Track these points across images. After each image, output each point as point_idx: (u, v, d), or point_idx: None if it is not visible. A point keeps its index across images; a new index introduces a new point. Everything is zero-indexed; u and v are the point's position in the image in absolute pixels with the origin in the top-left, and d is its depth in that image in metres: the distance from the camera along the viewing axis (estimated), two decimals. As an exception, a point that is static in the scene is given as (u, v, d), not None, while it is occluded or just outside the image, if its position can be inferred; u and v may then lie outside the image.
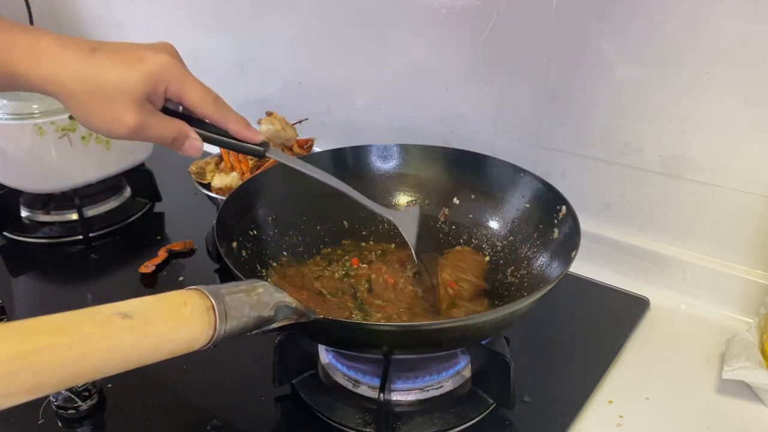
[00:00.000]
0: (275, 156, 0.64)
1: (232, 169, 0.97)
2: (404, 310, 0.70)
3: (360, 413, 0.65)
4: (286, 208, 0.80)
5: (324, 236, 0.83)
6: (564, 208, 0.72)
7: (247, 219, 0.76)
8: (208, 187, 0.94)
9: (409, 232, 0.72)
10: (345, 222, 0.85)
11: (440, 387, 0.67)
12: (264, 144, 0.63)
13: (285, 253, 0.79)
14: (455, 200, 0.85)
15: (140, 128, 0.56)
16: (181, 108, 0.61)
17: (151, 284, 0.91)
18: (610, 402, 0.69)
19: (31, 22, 1.53)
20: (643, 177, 0.85)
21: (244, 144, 0.62)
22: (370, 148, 0.86)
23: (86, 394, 0.66)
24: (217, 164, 1.00)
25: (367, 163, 0.87)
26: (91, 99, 0.54)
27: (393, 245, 0.83)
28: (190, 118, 0.60)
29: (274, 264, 0.76)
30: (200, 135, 0.60)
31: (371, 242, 0.84)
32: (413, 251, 0.70)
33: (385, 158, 0.87)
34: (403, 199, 0.87)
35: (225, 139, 0.61)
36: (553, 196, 0.74)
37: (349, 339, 0.60)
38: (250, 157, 0.97)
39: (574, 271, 0.85)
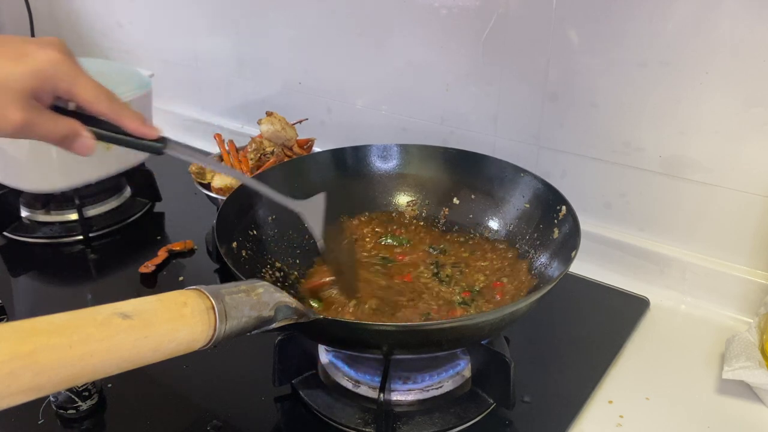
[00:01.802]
0: (174, 153, 0.61)
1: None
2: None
3: (360, 413, 0.65)
4: (286, 208, 0.80)
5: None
6: (564, 208, 0.72)
7: (247, 219, 0.76)
8: (208, 187, 0.94)
9: (315, 222, 0.68)
10: (347, 221, 0.85)
11: (440, 387, 0.67)
12: (163, 139, 0.60)
13: (285, 253, 0.79)
14: (455, 200, 0.85)
15: (26, 126, 0.53)
16: (71, 105, 0.58)
17: (151, 284, 0.91)
18: (610, 402, 0.69)
19: (31, 22, 1.53)
20: (643, 177, 0.85)
21: (141, 141, 0.59)
22: (370, 148, 0.86)
23: (86, 394, 0.66)
24: (217, 164, 1.00)
25: (367, 163, 0.87)
26: None
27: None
28: (83, 116, 0.58)
29: (279, 265, 0.76)
30: (94, 133, 0.58)
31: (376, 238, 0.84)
32: (318, 243, 0.68)
33: (385, 158, 0.87)
34: (403, 199, 0.87)
35: (120, 136, 0.59)
36: (553, 196, 0.74)
37: (349, 339, 0.60)
38: (250, 157, 0.98)
39: (574, 271, 0.85)
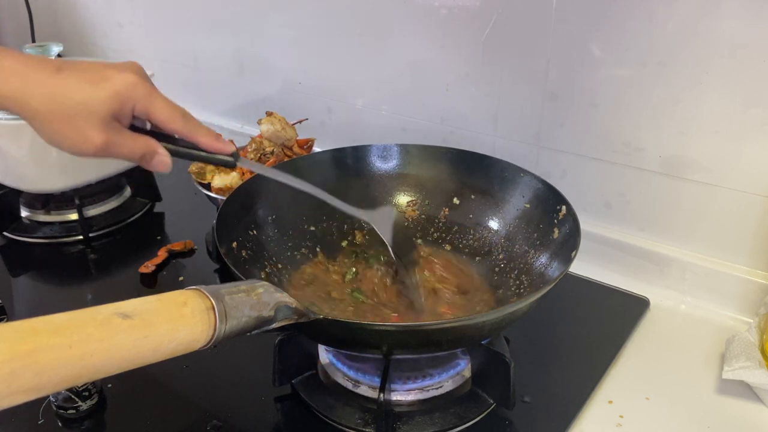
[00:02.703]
0: (246, 166, 0.65)
1: (232, 169, 0.97)
2: (391, 310, 0.72)
3: (360, 413, 0.65)
4: (286, 208, 0.80)
5: (324, 236, 0.83)
6: (564, 208, 0.72)
7: (247, 219, 0.76)
8: (208, 187, 0.94)
9: (385, 231, 0.73)
10: (345, 221, 0.85)
11: (440, 387, 0.67)
12: (234, 154, 0.63)
13: (285, 253, 0.79)
14: (455, 200, 0.85)
15: (107, 147, 0.56)
16: (148, 125, 0.61)
17: (151, 284, 0.91)
18: (610, 402, 0.69)
19: (31, 22, 1.53)
20: (643, 177, 0.85)
21: (215, 156, 0.62)
22: (370, 148, 0.86)
23: (86, 394, 0.66)
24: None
25: (367, 163, 0.87)
26: (57, 119, 0.55)
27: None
28: (159, 133, 0.61)
29: (279, 265, 0.76)
30: (169, 150, 0.61)
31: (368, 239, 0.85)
32: (390, 250, 0.72)
33: (385, 158, 0.87)
34: (403, 199, 0.87)
35: (195, 152, 0.62)
36: (553, 196, 0.74)
37: (349, 339, 0.60)
38: (250, 157, 0.98)
39: (574, 271, 0.85)
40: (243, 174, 0.95)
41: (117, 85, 0.56)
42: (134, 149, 0.59)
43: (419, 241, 0.84)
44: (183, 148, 0.62)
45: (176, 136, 0.61)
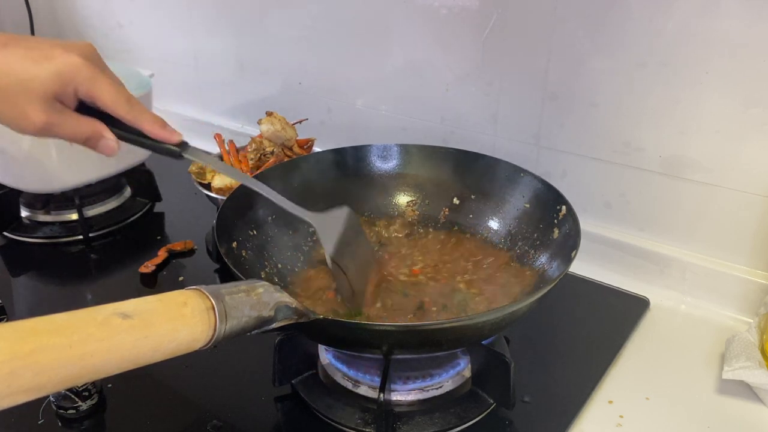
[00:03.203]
0: (193, 157, 0.62)
1: (232, 169, 0.97)
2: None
3: (360, 413, 0.65)
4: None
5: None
6: (564, 208, 0.72)
7: (247, 219, 0.76)
8: (208, 187, 0.94)
9: (329, 237, 0.68)
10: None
11: (440, 387, 0.67)
12: (182, 144, 0.61)
13: (285, 253, 0.79)
14: (455, 200, 0.85)
15: (48, 127, 0.55)
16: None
17: (151, 284, 0.91)
18: (610, 402, 0.69)
19: (31, 22, 1.53)
20: (643, 177, 0.85)
21: (161, 144, 0.60)
22: (370, 148, 0.86)
23: (86, 394, 0.66)
24: (217, 164, 1.00)
25: (367, 163, 0.87)
26: None
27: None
28: (110, 117, 0.59)
29: (279, 265, 0.76)
30: (117, 135, 0.59)
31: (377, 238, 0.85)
32: (327, 257, 0.67)
33: (385, 158, 0.87)
34: (403, 199, 0.87)
35: (141, 139, 0.60)
36: (553, 196, 0.74)
37: (349, 339, 0.60)
38: (250, 157, 0.98)
39: (574, 271, 0.85)
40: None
41: (59, 65, 0.54)
42: (77, 131, 0.57)
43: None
44: (131, 135, 0.60)
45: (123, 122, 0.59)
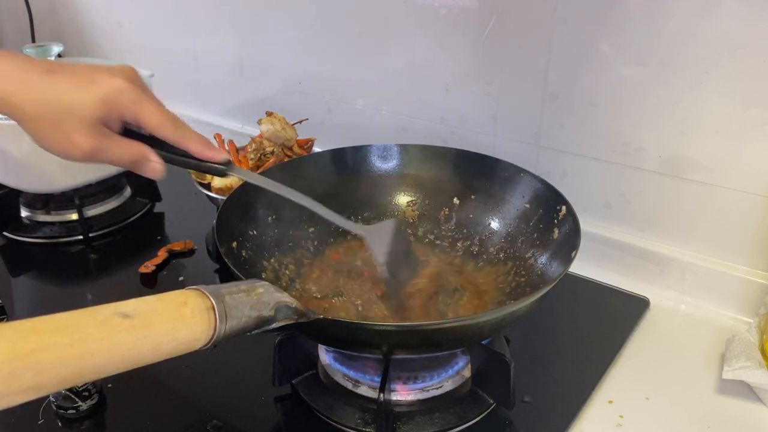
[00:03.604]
0: (238, 174, 0.63)
1: (232, 169, 0.97)
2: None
3: (360, 413, 0.65)
4: (286, 208, 0.80)
5: (324, 236, 0.83)
6: (564, 208, 0.72)
7: (247, 219, 0.76)
8: (208, 187, 0.94)
9: (380, 248, 0.67)
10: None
11: (440, 387, 0.67)
12: (226, 163, 0.62)
13: (285, 253, 0.79)
14: (455, 200, 0.85)
15: (95, 152, 0.56)
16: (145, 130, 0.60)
17: (151, 284, 0.91)
18: (610, 402, 0.69)
19: (31, 22, 1.53)
20: (643, 177, 0.85)
21: (206, 163, 0.61)
22: (370, 148, 0.86)
23: (86, 394, 0.66)
24: (217, 164, 1.00)
25: (367, 163, 0.87)
26: (45, 122, 0.54)
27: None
28: (153, 139, 0.60)
29: (273, 262, 0.76)
30: (162, 156, 0.60)
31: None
32: (380, 270, 0.67)
33: (385, 158, 0.87)
34: (403, 199, 0.87)
35: (187, 159, 0.61)
36: (553, 196, 0.74)
37: (349, 339, 0.60)
38: (250, 157, 0.98)
39: (574, 271, 0.85)
40: (243, 174, 0.95)
41: (105, 90, 0.55)
42: (124, 155, 0.58)
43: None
44: (175, 156, 0.61)
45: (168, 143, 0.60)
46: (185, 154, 0.61)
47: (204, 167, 0.62)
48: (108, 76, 0.56)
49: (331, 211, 0.67)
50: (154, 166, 0.59)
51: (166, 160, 0.61)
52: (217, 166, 0.62)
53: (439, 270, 0.78)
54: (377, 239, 0.68)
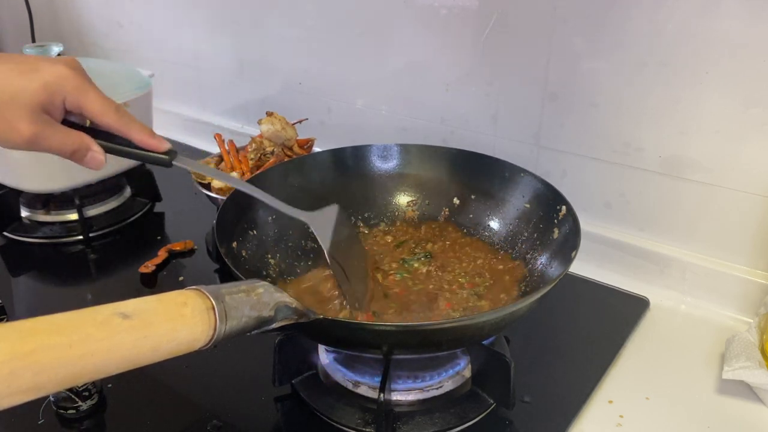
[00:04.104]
0: (183, 164, 0.62)
1: (232, 169, 0.97)
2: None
3: (360, 413, 0.65)
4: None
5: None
6: (564, 208, 0.72)
7: (247, 219, 0.76)
8: (208, 187, 0.94)
9: (324, 233, 0.69)
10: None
11: (440, 387, 0.67)
12: (170, 152, 0.61)
13: (285, 253, 0.79)
14: (455, 200, 0.85)
15: (36, 139, 0.55)
16: (88, 122, 0.60)
17: (151, 284, 0.91)
18: (610, 402, 0.69)
19: (31, 22, 1.53)
20: (643, 177, 0.85)
21: (150, 153, 0.60)
22: (370, 148, 0.86)
23: (86, 394, 0.66)
24: (217, 164, 1.00)
25: (367, 163, 0.87)
26: None
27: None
28: (95, 131, 0.59)
29: (273, 262, 0.76)
30: (104, 147, 0.59)
31: (377, 239, 0.85)
32: (326, 253, 0.68)
33: (385, 158, 0.87)
34: (403, 199, 0.87)
35: (130, 149, 0.60)
36: (553, 196, 0.74)
37: (349, 339, 0.60)
38: (250, 157, 0.98)
39: (574, 271, 0.85)
40: (243, 174, 0.95)
41: (46, 76, 0.55)
42: (65, 144, 0.57)
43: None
44: (118, 146, 0.60)
45: (111, 132, 0.59)
46: (128, 144, 0.60)
47: (147, 158, 0.61)
48: (50, 64, 0.56)
49: (274, 198, 0.67)
50: (95, 155, 0.59)
51: (109, 150, 0.60)
52: (160, 156, 0.61)
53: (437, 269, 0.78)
54: (321, 226, 0.70)
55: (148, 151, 0.60)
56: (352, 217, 0.85)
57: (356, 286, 0.71)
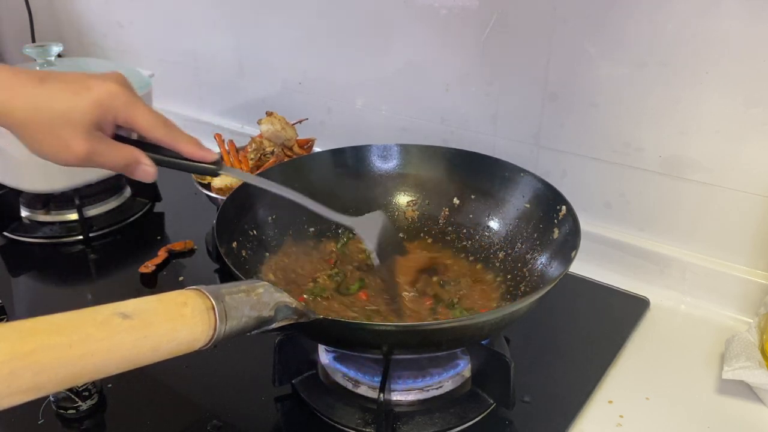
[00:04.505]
0: (229, 173, 0.65)
1: (232, 169, 0.97)
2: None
3: (360, 413, 0.65)
4: (286, 208, 0.80)
5: (324, 236, 0.83)
6: (564, 208, 0.72)
7: (247, 219, 0.76)
8: (208, 187, 0.94)
9: (371, 239, 0.70)
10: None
11: (440, 387, 0.67)
12: (217, 162, 0.63)
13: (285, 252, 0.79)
14: (455, 200, 0.85)
15: (90, 156, 0.57)
16: (134, 135, 0.62)
17: (151, 284, 0.91)
18: (610, 402, 0.69)
19: (31, 22, 1.53)
20: (643, 177, 0.85)
21: (198, 164, 0.62)
22: (370, 148, 0.86)
23: (86, 394, 0.66)
24: (217, 164, 1.00)
25: (367, 163, 0.87)
26: (40, 129, 0.56)
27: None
28: (143, 143, 0.61)
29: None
30: (154, 159, 0.61)
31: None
32: (374, 259, 0.70)
33: (385, 158, 0.87)
34: (403, 199, 0.87)
35: (178, 161, 0.62)
36: (553, 196, 0.74)
37: (349, 339, 0.60)
38: (250, 157, 0.98)
39: (574, 271, 0.85)
40: (243, 174, 0.95)
41: (98, 94, 0.56)
42: (117, 158, 0.59)
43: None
44: (167, 158, 0.62)
45: (159, 145, 0.61)
46: (176, 156, 0.62)
47: (195, 168, 0.63)
48: (101, 82, 0.57)
49: (321, 206, 0.69)
50: (146, 168, 0.61)
51: (158, 162, 0.62)
52: (208, 166, 0.63)
53: (438, 269, 0.78)
54: (367, 229, 0.71)
55: (197, 162, 0.62)
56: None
57: (392, 290, 0.72)
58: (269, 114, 0.98)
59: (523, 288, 0.73)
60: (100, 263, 0.98)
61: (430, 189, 0.86)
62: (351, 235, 0.82)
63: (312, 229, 0.82)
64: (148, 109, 0.60)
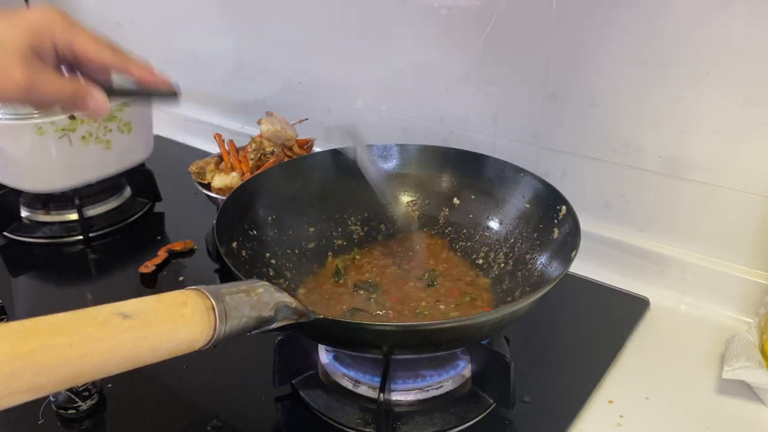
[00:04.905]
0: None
1: (232, 169, 0.97)
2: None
3: (360, 413, 0.65)
4: (286, 208, 0.80)
5: (324, 236, 0.83)
6: (564, 208, 0.72)
7: (247, 219, 0.76)
8: (208, 187, 0.94)
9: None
10: (345, 222, 0.85)
11: (440, 387, 0.67)
12: (174, 91, 0.58)
13: (285, 253, 0.79)
14: (455, 200, 0.85)
15: (31, 85, 0.52)
16: (79, 74, 0.57)
17: (151, 284, 0.91)
18: (610, 402, 0.69)
19: (31, 22, 1.53)
20: (643, 177, 0.85)
21: (155, 91, 0.58)
22: (370, 148, 0.86)
23: (86, 394, 0.66)
24: (217, 164, 1.00)
25: (367, 163, 0.86)
26: None
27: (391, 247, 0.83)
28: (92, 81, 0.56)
29: (273, 262, 0.76)
30: (105, 89, 0.56)
31: (377, 239, 0.85)
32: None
33: (385, 158, 0.87)
34: (403, 199, 0.87)
35: (132, 88, 0.57)
36: (553, 196, 0.74)
37: (349, 339, 0.60)
38: (250, 157, 0.98)
39: (574, 271, 0.85)
40: (243, 174, 0.95)
41: (32, 19, 0.53)
42: (63, 89, 0.54)
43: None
44: (119, 87, 0.57)
45: (108, 70, 0.56)
46: (129, 86, 0.57)
47: (152, 92, 0.58)
48: (35, 9, 0.54)
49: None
50: (97, 98, 0.55)
51: (109, 92, 0.56)
52: (165, 90, 0.58)
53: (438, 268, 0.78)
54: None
55: (152, 89, 0.58)
56: (352, 218, 0.85)
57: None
58: (269, 114, 0.98)
59: (522, 288, 0.73)
60: (100, 263, 0.98)
61: (430, 189, 0.86)
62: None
63: (312, 230, 0.82)
64: (90, 33, 0.55)
